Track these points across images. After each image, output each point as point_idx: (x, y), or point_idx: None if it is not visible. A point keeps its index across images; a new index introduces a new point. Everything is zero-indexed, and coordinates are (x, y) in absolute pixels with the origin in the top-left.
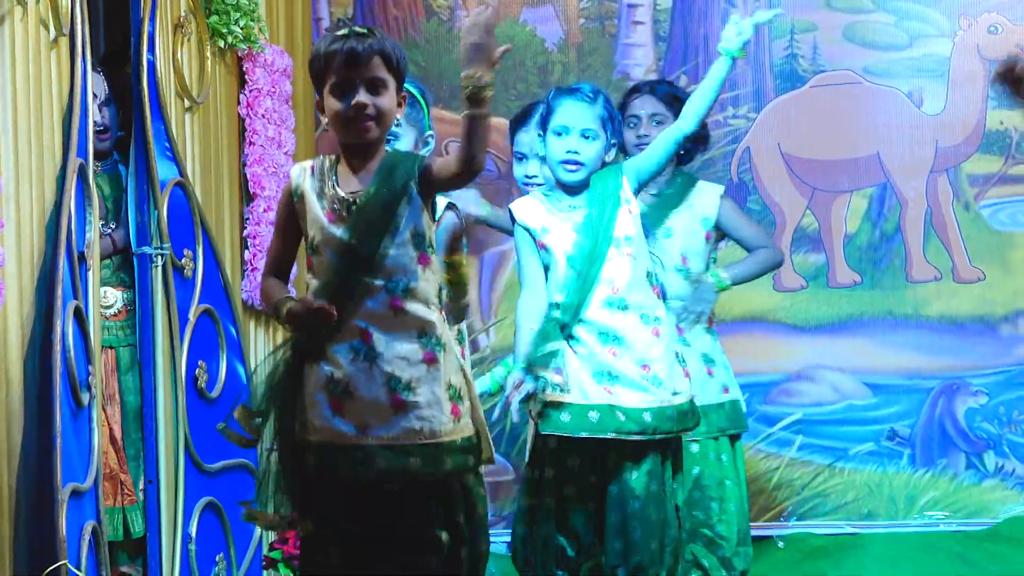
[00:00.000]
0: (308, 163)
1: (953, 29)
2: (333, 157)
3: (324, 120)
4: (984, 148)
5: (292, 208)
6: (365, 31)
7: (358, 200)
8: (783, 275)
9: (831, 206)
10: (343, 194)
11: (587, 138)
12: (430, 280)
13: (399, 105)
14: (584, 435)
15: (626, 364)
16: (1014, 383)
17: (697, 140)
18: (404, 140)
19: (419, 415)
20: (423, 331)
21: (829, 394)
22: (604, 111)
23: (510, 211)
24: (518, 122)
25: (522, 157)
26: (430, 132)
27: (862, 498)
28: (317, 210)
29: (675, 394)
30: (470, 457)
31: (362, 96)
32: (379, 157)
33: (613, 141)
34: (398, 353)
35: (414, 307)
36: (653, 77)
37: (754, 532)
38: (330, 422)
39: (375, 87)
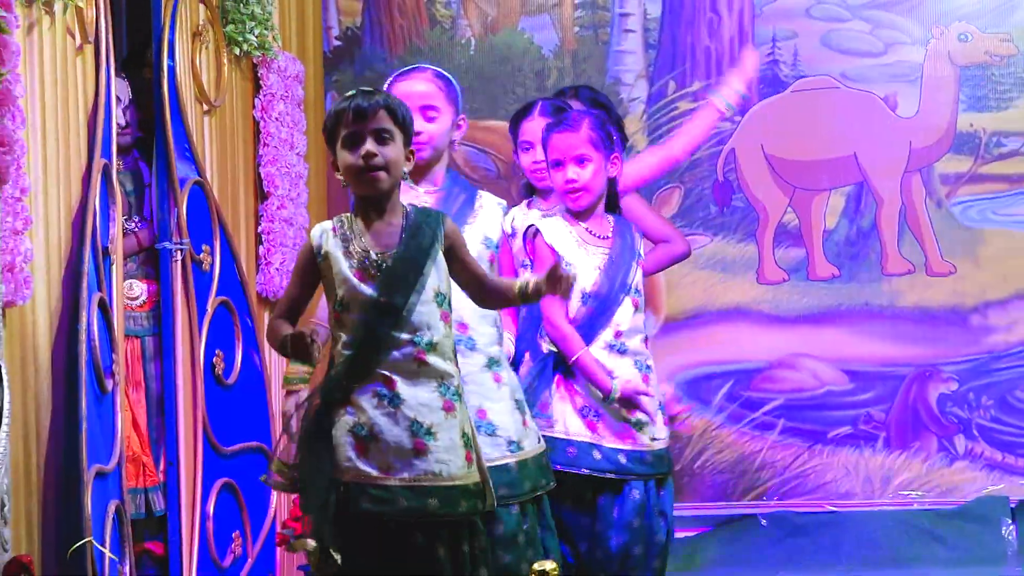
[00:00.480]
0: (328, 224)
1: (926, 37)
2: (350, 215)
3: (340, 177)
4: (955, 149)
5: (314, 263)
6: (371, 90)
7: (387, 259)
8: (766, 269)
9: (811, 204)
10: (373, 255)
11: (582, 163)
12: (450, 336)
13: (407, 159)
14: (559, 468)
15: (613, 404)
16: (983, 370)
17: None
18: (442, 119)
19: (438, 458)
20: (442, 381)
21: (809, 380)
22: (593, 132)
23: (535, 228)
24: (521, 115)
25: (528, 147)
26: (462, 116)
27: (840, 478)
28: (345, 269)
29: (653, 439)
30: (479, 501)
31: (370, 146)
32: (397, 211)
33: (614, 154)
34: (420, 400)
35: (435, 360)
36: (643, 83)
37: (738, 511)
38: (355, 463)
39: (382, 138)
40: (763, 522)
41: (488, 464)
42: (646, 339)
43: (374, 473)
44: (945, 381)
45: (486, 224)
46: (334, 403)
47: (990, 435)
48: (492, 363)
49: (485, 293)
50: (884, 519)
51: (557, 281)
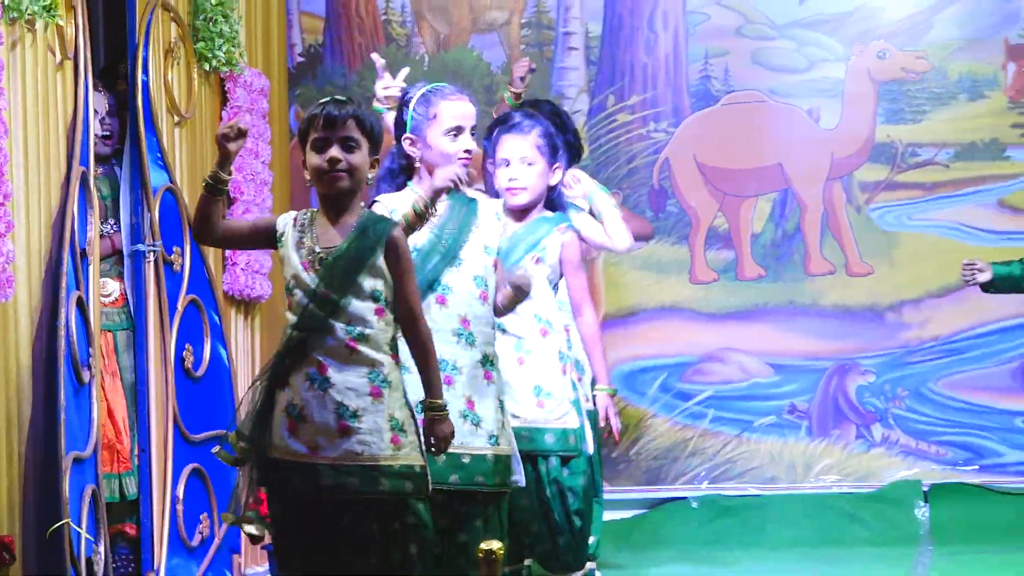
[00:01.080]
0: (294, 214)
1: (847, 54)
2: (314, 211)
3: (307, 176)
4: (873, 158)
5: (269, 233)
6: (344, 99)
7: (329, 255)
8: (698, 269)
9: (739, 209)
10: (318, 248)
11: (527, 164)
12: (384, 330)
13: (372, 167)
14: None
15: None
16: (898, 364)
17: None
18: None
19: (360, 440)
20: (372, 368)
21: (737, 373)
22: (540, 139)
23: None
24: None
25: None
26: None
27: (765, 464)
28: (295, 259)
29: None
30: (407, 483)
31: (335, 151)
32: (354, 213)
33: (557, 163)
34: (348, 385)
35: (365, 349)
36: (585, 97)
37: (671, 494)
38: (286, 441)
39: (348, 146)
40: (694, 504)
41: (471, 452)
42: (542, 328)
43: (302, 452)
44: (863, 374)
45: (485, 233)
46: (277, 382)
47: (905, 424)
48: (486, 360)
49: (408, 333)
50: (806, 502)
51: (434, 443)
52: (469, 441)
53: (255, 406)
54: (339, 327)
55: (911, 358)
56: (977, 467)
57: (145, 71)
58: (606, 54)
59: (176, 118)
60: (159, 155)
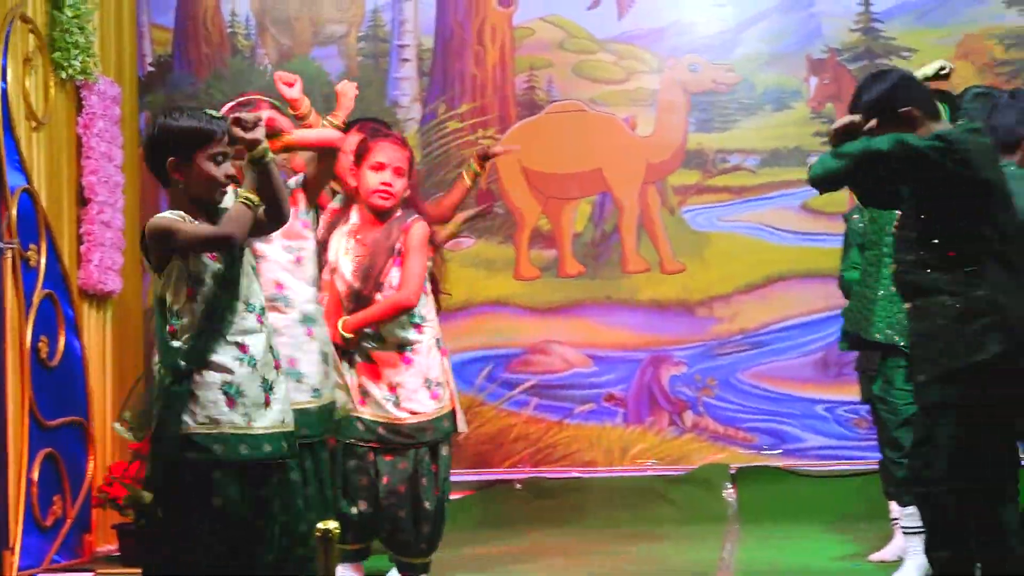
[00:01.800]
0: (179, 213)
1: (662, 67)
2: (183, 214)
3: (179, 181)
4: (686, 164)
5: None
6: (221, 115)
7: None
8: (522, 267)
9: (561, 211)
10: None
11: (400, 174)
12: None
13: None
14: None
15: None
16: (708, 355)
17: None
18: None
19: (281, 408)
20: (269, 341)
21: (559, 364)
22: (408, 151)
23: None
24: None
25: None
26: None
27: (585, 448)
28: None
29: (414, 413)
30: (292, 443)
31: (230, 167)
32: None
33: (412, 177)
34: (265, 361)
35: (269, 318)
36: (418, 105)
37: (496, 477)
38: (228, 416)
39: (230, 158)
40: (518, 486)
41: (295, 407)
42: (418, 325)
43: (242, 424)
44: (676, 364)
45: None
46: (192, 369)
47: (714, 411)
48: (306, 319)
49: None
50: (623, 484)
51: None
52: (294, 396)
53: (157, 389)
54: (241, 305)
55: (720, 350)
56: (781, 451)
57: (4, 79)
58: (438, 65)
59: (34, 124)
60: (17, 158)
